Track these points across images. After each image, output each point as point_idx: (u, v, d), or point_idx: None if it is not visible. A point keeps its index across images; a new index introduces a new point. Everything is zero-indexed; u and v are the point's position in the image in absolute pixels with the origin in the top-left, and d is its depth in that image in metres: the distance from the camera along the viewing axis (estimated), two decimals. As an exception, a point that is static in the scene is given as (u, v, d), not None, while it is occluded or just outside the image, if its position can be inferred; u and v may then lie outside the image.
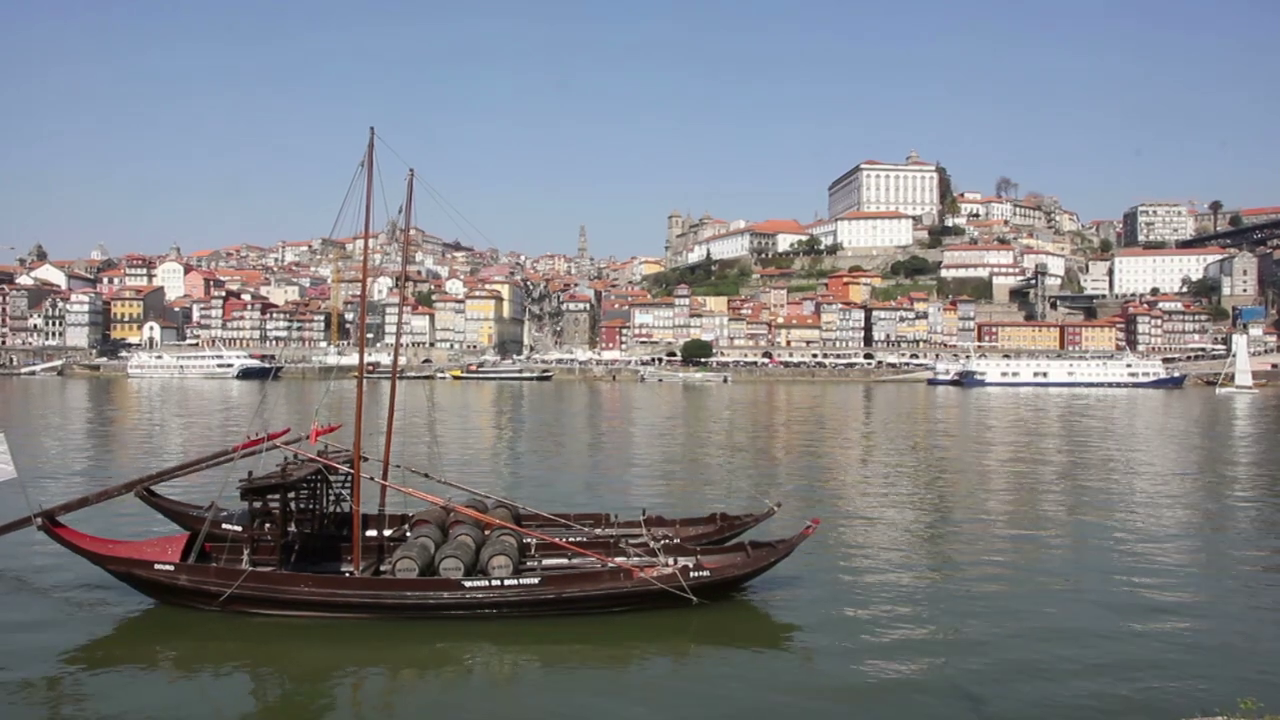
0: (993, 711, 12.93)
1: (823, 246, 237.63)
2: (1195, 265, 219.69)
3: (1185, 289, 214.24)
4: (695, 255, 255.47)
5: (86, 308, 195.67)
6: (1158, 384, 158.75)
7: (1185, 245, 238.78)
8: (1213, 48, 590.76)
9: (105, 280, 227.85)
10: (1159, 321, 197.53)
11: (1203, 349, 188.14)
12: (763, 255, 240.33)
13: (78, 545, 17.81)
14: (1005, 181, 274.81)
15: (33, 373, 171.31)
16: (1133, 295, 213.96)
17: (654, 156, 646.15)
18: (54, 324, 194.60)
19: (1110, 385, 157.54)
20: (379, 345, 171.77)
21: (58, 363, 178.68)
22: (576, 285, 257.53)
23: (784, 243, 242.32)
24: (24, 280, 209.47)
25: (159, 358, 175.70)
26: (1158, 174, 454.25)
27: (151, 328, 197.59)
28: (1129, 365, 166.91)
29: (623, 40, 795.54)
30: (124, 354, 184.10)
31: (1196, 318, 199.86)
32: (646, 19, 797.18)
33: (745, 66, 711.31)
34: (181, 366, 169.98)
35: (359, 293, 21.45)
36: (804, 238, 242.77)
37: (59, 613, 17.25)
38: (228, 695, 13.86)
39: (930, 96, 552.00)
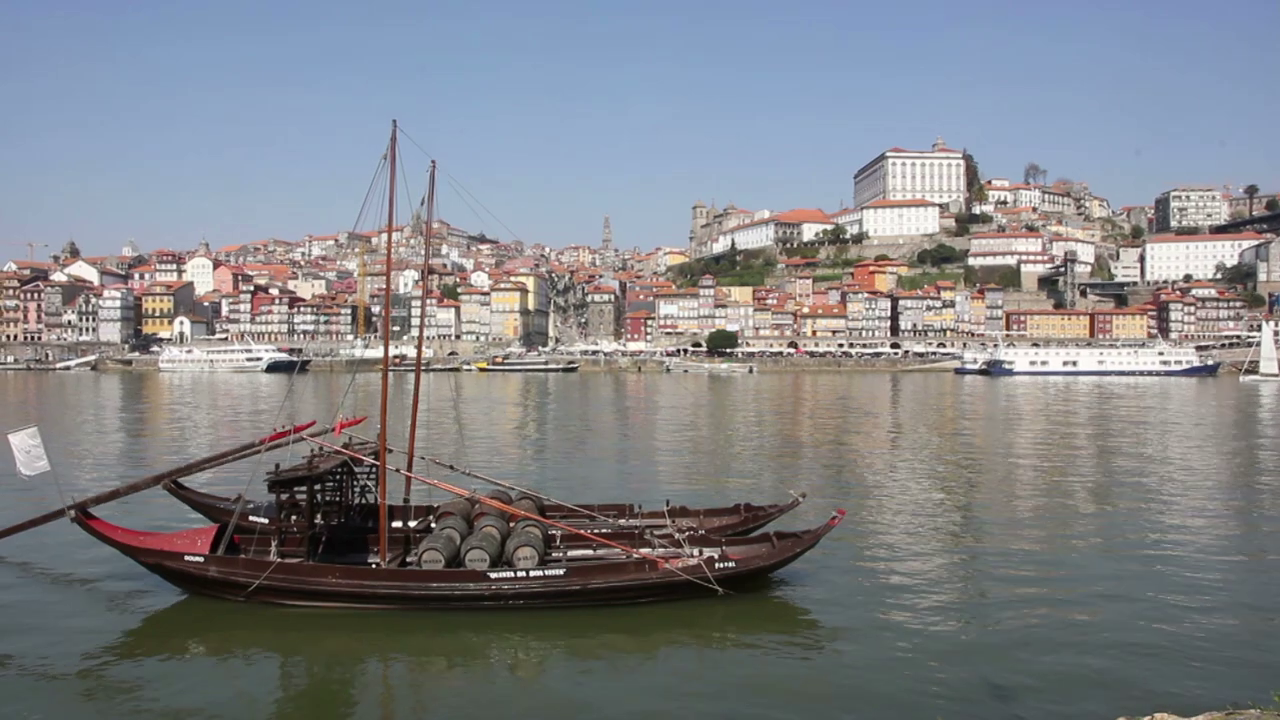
0: (1019, 703, 12.79)
1: (848, 235, 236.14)
2: (1230, 251, 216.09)
3: (1220, 275, 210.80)
4: (720, 245, 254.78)
5: (118, 303, 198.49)
6: (1190, 372, 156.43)
7: (1219, 230, 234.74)
8: (1246, 32, 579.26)
9: (136, 276, 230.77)
10: (1192, 308, 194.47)
11: (1237, 336, 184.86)
12: (788, 245, 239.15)
13: (110, 537, 18.07)
14: (1034, 168, 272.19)
15: (67, 368, 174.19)
16: (1165, 282, 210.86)
17: (678, 147, 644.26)
18: (87, 319, 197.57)
19: (1142, 374, 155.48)
20: (405, 338, 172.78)
21: (91, 358, 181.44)
22: (601, 277, 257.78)
23: (809, 232, 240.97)
24: (58, 277, 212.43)
25: (189, 352, 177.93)
26: (1191, 159, 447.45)
27: (182, 322, 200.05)
28: (1161, 353, 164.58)
29: (645, 31, 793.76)
30: (155, 349, 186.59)
31: (1231, 304, 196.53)
32: (668, 9, 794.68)
33: (769, 55, 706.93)
34: (211, 361, 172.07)
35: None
36: (829, 227, 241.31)
37: (91, 603, 17.53)
38: (256, 684, 14.00)
39: (957, 83, 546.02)
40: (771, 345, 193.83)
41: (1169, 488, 31.12)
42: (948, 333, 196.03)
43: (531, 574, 16.65)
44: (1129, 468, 36.64)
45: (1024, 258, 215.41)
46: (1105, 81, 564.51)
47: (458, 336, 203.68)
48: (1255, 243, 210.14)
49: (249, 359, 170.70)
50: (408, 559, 18.57)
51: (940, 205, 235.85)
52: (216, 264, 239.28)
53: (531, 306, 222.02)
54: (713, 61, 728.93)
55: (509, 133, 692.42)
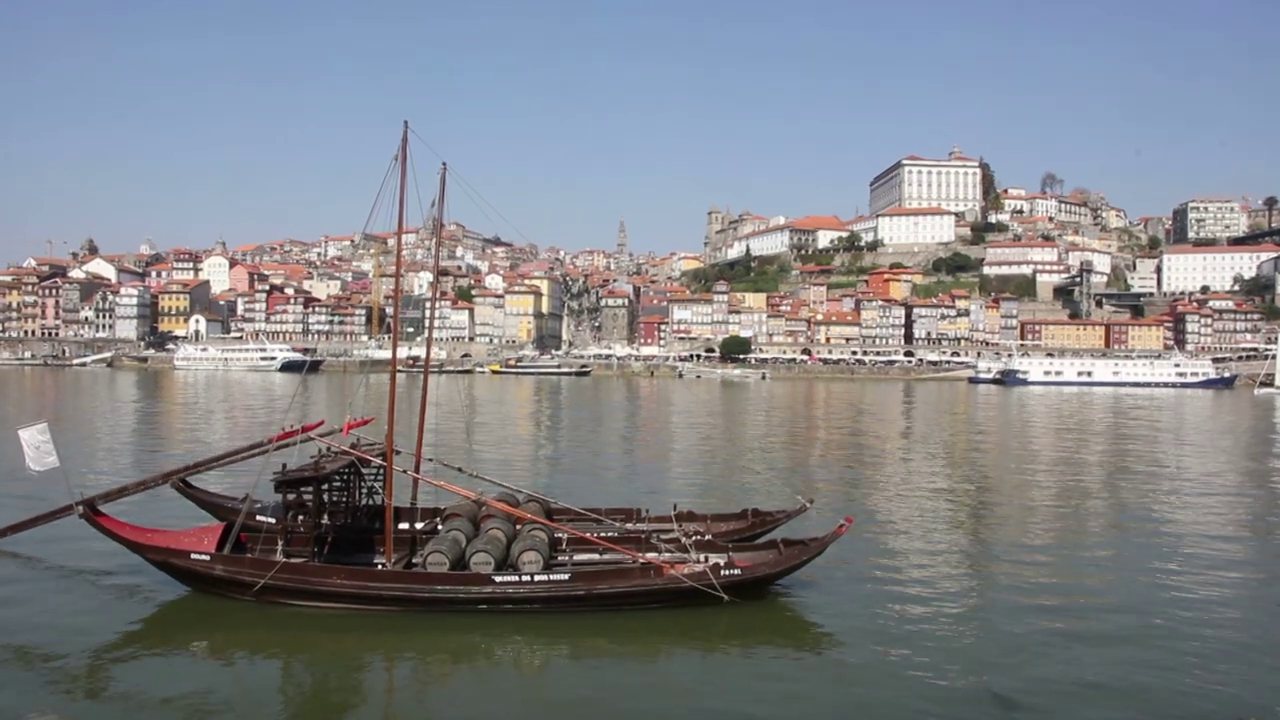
0: (1026, 714, 12.64)
1: (863, 243, 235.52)
2: (1248, 263, 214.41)
3: (1237, 287, 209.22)
4: (734, 251, 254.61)
5: (135, 301, 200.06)
6: (1206, 384, 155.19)
7: (1237, 242, 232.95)
8: (1267, 43, 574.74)
9: (153, 274, 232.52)
10: (1209, 320, 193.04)
11: (1255, 349, 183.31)
12: (802, 252, 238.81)
13: (117, 534, 18.10)
14: (1050, 177, 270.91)
15: (84, 364, 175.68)
16: (1182, 294, 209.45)
17: (694, 152, 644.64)
18: (104, 316, 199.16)
19: (1157, 385, 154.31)
20: (419, 339, 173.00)
21: (107, 354, 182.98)
22: (615, 281, 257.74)
23: (824, 239, 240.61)
24: (76, 274, 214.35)
25: (204, 350, 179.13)
26: (1210, 171, 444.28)
27: (197, 320, 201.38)
28: (1177, 365, 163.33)
29: (660, 35, 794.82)
30: (171, 346, 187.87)
31: (1249, 317, 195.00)
32: (683, 13, 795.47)
33: (787, 62, 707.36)
34: (226, 359, 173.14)
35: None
36: (844, 234, 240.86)
37: (98, 599, 17.56)
38: (260, 684, 13.99)
39: (974, 92, 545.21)
40: (785, 352, 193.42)
41: (1184, 502, 30.79)
42: (962, 342, 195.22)
43: (536, 578, 16.58)
44: (1143, 481, 36.29)
45: (1039, 267, 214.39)
46: (1124, 92, 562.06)
47: (471, 339, 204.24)
48: (1274, 255, 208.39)
49: (263, 358, 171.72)
50: (413, 561, 18.53)
51: (956, 214, 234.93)
52: (233, 263, 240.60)
53: (545, 310, 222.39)
54: (729, 68, 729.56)
55: (525, 136, 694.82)
